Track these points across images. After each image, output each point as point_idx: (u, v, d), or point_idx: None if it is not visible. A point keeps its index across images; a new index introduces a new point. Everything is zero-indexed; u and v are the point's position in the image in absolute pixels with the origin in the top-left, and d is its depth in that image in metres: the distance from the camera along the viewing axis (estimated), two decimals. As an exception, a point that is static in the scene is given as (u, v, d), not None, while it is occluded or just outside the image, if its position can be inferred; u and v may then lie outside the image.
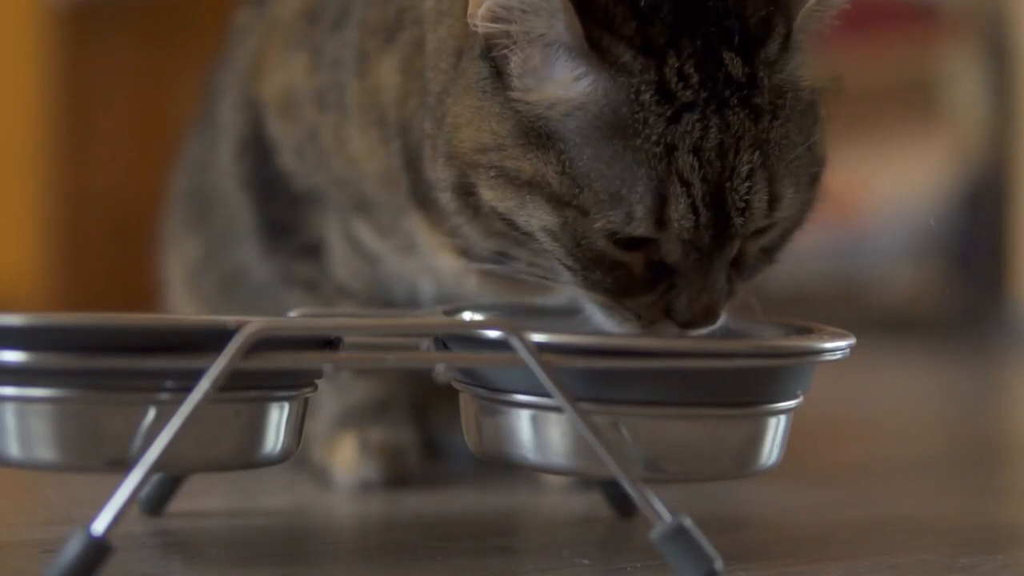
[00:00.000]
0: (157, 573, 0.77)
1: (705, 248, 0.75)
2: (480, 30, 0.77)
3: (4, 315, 0.70)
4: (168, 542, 0.86)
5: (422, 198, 0.90)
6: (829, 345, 0.76)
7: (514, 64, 0.77)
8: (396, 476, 1.03)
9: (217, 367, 0.69)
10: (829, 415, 1.46)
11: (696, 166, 0.74)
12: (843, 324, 0.80)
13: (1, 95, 3.25)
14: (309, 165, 1.00)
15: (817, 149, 0.79)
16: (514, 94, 0.77)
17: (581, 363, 0.72)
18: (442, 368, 0.75)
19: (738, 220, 0.75)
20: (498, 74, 0.78)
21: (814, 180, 0.79)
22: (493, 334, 0.73)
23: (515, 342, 0.71)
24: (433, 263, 0.93)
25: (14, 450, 0.72)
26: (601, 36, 0.75)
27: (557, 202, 0.75)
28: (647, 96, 0.74)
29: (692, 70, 0.74)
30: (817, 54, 0.81)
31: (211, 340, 0.70)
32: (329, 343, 0.76)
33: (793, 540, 0.90)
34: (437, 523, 0.94)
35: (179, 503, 0.90)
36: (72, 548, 0.67)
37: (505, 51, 0.77)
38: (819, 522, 0.97)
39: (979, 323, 2.95)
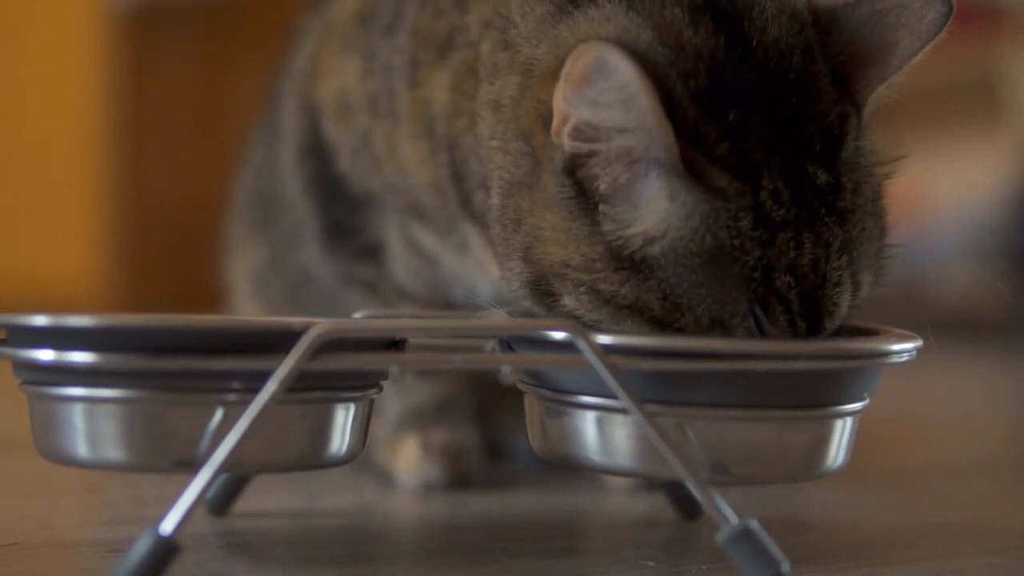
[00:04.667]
0: (223, 573, 0.78)
1: None
2: (566, 148, 0.74)
3: (73, 317, 0.71)
4: (233, 542, 0.86)
5: (471, 210, 0.90)
6: (896, 347, 0.75)
7: (603, 185, 0.73)
8: (458, 477, 1.03)
9: (284, 368, 0.69)
10: (890, 416, 1.45)
11: (793, 283, 0.73)
12: (903, 325, 0.79)
13: (63, 98, 3.28)
14: (364, 170, 1.00)
15: (885, 222, 0.79)
16: (606, 226, 0.74)
17: (647, 365, 0.72)
18: (509, 370, 0.75)
19: (828, 323, 0.75)
20: (583, 193, 0.74)
21: (883, 250, 0.79)
22: (559, 335, 0.72)
23: (581, 343, 0.71)
24: (485, 266, 0.93)
25: (82, 450, 0.73)
26: (695, 157, 0.72)
27: (658, 324, 0.74)
28: (745, 222, 0.72)
29: (783, 187, 0.73)
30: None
31: (278, 341, 0.70)
32: (394, 344, 0.76)
33: (859, 543, 0.90)
34: (499, 524, 0.94)
35: (244, 503, 0.90)
36: (140, 548, 0.67)
37: (593, 171, 0.73)
38: (884, 525, 0.96)
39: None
